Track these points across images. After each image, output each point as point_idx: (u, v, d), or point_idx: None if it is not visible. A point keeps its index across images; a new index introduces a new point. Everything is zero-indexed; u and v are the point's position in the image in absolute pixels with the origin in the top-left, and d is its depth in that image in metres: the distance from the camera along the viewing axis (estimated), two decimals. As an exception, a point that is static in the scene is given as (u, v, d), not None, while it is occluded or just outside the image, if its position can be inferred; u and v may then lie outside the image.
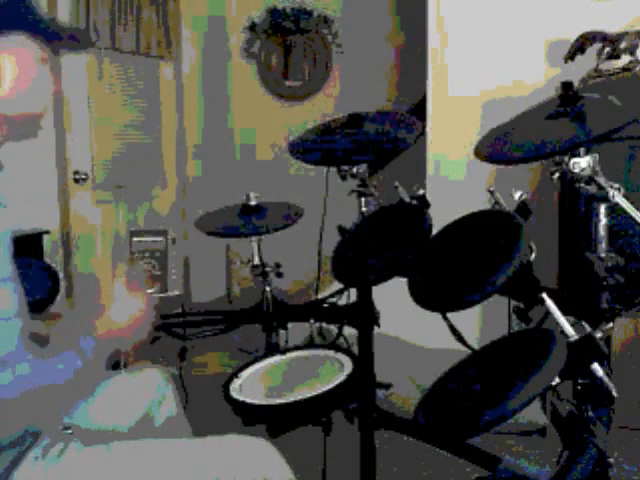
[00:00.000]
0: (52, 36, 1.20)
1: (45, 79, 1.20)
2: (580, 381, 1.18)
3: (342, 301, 2.01)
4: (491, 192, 1.42)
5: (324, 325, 2.03)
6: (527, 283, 1.21)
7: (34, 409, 1.07)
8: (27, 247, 2.91)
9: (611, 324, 1.14)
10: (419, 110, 3.26)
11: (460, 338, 1.41)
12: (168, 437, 1.38)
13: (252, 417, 1.57)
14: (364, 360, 1.83)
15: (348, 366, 1.66)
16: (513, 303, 1.31)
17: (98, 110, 3.73)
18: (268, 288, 2.09)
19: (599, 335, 1.12)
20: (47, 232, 3.20)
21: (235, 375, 1.73)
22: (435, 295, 1.33)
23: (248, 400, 1.58)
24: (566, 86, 1.32)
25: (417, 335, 2.71)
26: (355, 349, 1.87)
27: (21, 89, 1.16)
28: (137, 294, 1.20)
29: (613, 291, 1.26)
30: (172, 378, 1.55)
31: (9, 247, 1.08)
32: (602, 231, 1.31)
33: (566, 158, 1.25)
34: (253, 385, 1.70)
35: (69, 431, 1.27)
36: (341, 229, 1.88)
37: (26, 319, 1.07)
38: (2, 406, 1.02)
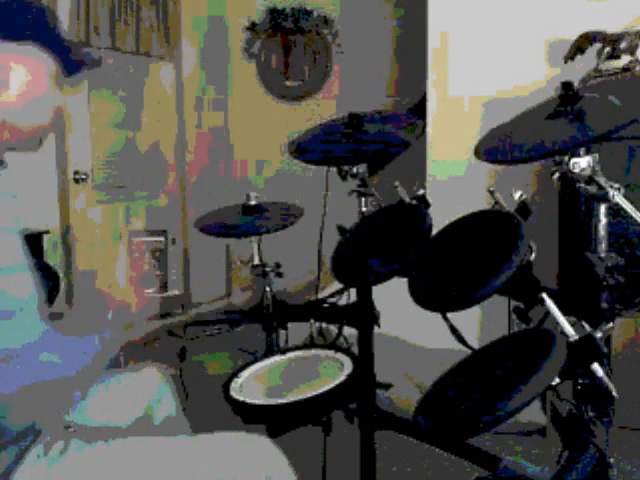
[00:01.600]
0: (66, 53, 1.20)
1: (53, 96, 1.20)
2: (580, 381, 1.18)
3: (342, 301, 2.01)
4: (491, 192, 1.42)
5: (324, 325, 2.03)
6: (527, 283, 1.21)
7: (52, 397, 1.07)
8: (27, 247, 2.91)
9: (611, 324, 1.14)
10: (419, 110, 3.26)
11: (460, 338, 1.41)
12: (167, 436, 1.38)
13: (252, 417, 1.57)
14: (364, 360, 1.83)
15: (348, 366, 1.66)
16: (513, 303, 1.31)
17: (98, 110, 3.73)
18: (268, 288, 2.09)
19: (599, 335, 1.12)
20: (47, 232, 3.20)
21: (235, 375, 1.73)
22: (435, 295, 1.33)
23: (248, 400, 1.58)
24: (566, 86, 1.32)
25: (417, 335, 2.71)
26: (355, 349, 1.87)
27: (28, 100, 1.16)
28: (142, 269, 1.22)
29: (613, 291, 1.26)
30: (172, 378, 1.55)
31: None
32: (602, 231, 1.31)
33: (566, 158, 1.25)
34: (253, 385, 1.70)
35: (69, 429, 1.28)
36: (341, 229, 1.88)
37: (44, 307, 1.09)
38: (24, 393, 1.02)
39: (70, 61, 1.21)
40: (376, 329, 1.91)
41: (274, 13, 4.45)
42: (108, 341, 1.17)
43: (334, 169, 1.87)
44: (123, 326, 1.21)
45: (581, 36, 2.68)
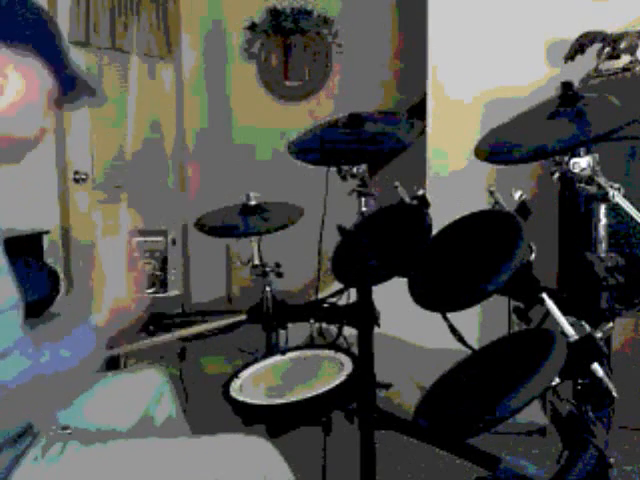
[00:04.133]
0: (66, 77, 1.17)
1: (42, 112, 1.17)
2: (580, 381, 1.18)
3: (342, 301, 2.01)
4: (491, 192, 1.42)
5: (324, 325, 2.03)
6: (527, 283, 1.21)
7: (41, 397, 1.07)
8: (27, 247, 2.92)
9: (611, 324, 1.14)
10: (419, 110, 3.26)
11: (460, 338, 1.42)
12: (167, 437, 1.38)
13: (252, 417, 1.57)
14: (364, 360, 1.83)
15: (348, 366, 1.66)
16: (513, 303, 1.32)
17: (98, 110, 3.73)
18: (268, 288, 2.09)
19: (599, 335, 1.12)
20: (47, 232, 3.20)
21: (235, 375, 1.73)
22: (435, 295, 1.33)
23: (248, 400, 1.58)
24: (566, 86, 1.32)
25: (417, 335, 2.71)
26: (355, 349, 1.87)
27: (19, 110, 1.13)
28: (134, 270, 1.21)
29: (613, 291, 1.26)
30: (172, 378, 1.55)
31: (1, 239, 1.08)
32: (602, 231, 1.31)
33: (566, 158, 1.25)
34: (253, 385, 1.70)
35: (67, 431, 1.27)
36: (341, 229, 1.88)
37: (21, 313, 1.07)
38: (14, 394, 1.01)
39: (68, 78, 1.18)
40: (376, 329, 1.91)
41: (274, 13, 4.46)
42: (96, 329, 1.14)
43: (334, 169, 1.87)
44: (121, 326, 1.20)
45: (581, 36, 2.68)
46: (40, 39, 1.14)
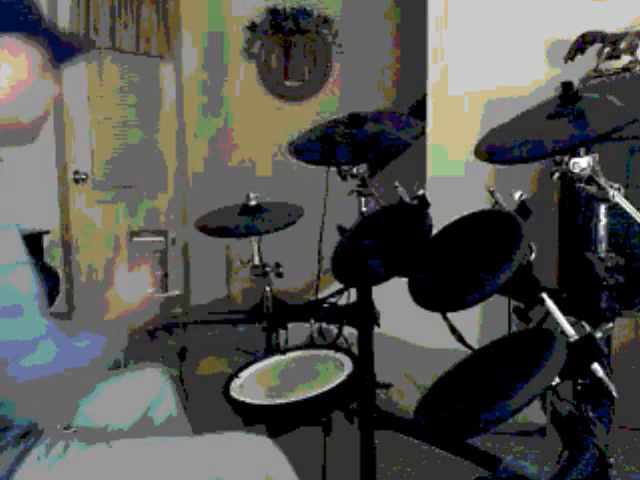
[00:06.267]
0: (53, 40, 1.18)
1: (43, 86, 1.18)
2: (580, 381, 1.18)
3: (342, 301, 2.01)
4: (491, 192, 1.42)
5: (324, 325, 2.03)
6: (527, 283, 1.21)
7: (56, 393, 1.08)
8: (27, 247, 2.92)
9: (611, 324, 1.14)
10: (419, 110, 3.26)
11: (460, 338, 1.41)
12: (168, 436, 1.38)
13: (252, 417, 1.57)
14: (364, 360, 1.83)
15: (348, 366, 1.66)
16: (513, 303, 1.31)
17: (98, 110, 3.73)
18: (268, 288, 2.09)
19: (599, 335, 1.12)
20: (47, 232, 3.20)
21: (235, 375, 1.73)
22: (435, 295, 1.33)
23: (248, 400, 1.58)
24: (566, 86, 1.32)
25: (417, 335, 2.71)
26: (355, 349, 1.87)
27: (19, 94, 1.14)
28: (142, 269, 1.22)
29: (613, 291, 1.26)
30: (172, 378, 1.55)
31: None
32: (602, 231, 1.31)
33: (566, 158, 1.25)
34: (253, 385, 1.70)
35: (70, 430, 1.28)
36: (341, 229, 1.88)
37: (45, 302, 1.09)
38: (32, 387, 1.02)
39: (59, 48, 1.20)
40: (376, 329, 1.91)
41: (274, 13, 4.45)
42: (105, 346, 1.17)
43: (334, 169, 1.87)
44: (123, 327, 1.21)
45: (581, 36, 2.68)
46: (21, 20, 1.14)
